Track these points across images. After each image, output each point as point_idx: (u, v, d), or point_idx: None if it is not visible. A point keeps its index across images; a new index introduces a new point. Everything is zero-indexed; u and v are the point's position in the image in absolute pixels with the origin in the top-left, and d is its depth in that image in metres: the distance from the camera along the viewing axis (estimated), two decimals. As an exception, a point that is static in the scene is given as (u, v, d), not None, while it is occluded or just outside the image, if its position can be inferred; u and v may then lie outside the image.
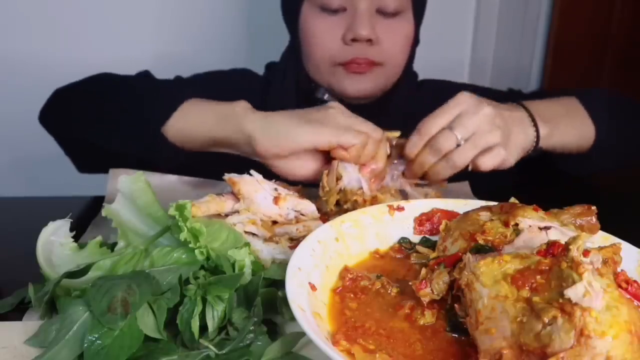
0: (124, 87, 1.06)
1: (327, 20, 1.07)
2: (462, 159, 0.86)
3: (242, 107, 0.90)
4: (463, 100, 0.87)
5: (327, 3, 1.06)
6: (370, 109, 1.12)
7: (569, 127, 0.98)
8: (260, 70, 1.26)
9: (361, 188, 0.84)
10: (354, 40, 1.05)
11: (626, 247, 0.64)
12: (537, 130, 0.93)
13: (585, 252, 0.49)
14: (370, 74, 1.09)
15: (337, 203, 0.84)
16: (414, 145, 0.88)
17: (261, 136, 0.85)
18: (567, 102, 1.02)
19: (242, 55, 1.79)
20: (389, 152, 0.90)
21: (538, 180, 1.14)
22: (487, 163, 0.87)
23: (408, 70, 1.18)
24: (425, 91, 1.23)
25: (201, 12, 1.77)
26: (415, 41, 1.16)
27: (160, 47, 1.77)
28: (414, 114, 1.09)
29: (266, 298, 0.60)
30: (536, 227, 0.62)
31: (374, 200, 0.83)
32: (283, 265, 0.66)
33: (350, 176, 0.84)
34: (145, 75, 1.14)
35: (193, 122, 0.92)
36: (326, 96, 1.13)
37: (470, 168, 0.88)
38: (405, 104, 1.18)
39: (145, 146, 0.94)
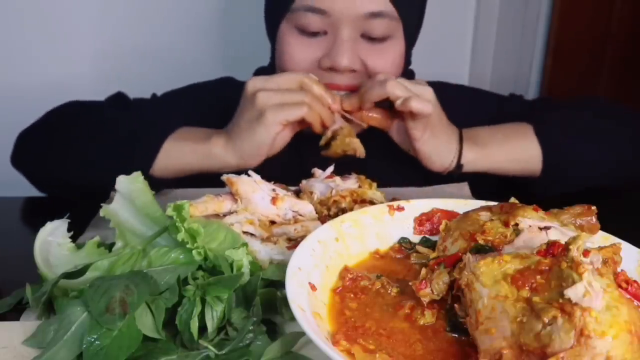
0: (99, 122, 1.02)
1: (304, 43, 1.00)
2: (393, 86, 0.91)
3: (217, 145, 0.95)
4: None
5: (305, 25, 0.97)
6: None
7: (501, 153, 1.00)
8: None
9: (330, 190, 0.83)
10: (332, 69, 0.98)
11: (626, 247, 0.64)
12: (460, 151, 0.98)
13: (585, 252, 0.49)
14: None
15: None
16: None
17: (245, 162, 0.94)
18: (516, 129, 1.03)
19: (222, 57, 1.79)
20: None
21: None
22: (415, 104, 0.90)
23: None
24: None
25: (185, 12, 1.77)
26: (407, 62, 1.11)
27: (141, 39, 1.76)
28: None
29: (265, 298, 0.60)
30: (536, 227, 0.62)
31: (355, 195, 0.82)
32: (281, 265, 0.66)
33: (319, 187, 0.84)
34: (118, 98, 1.10)
35: (175, 164, 0.97)
36: None
37: (397, 104, 0.92)
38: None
39: None
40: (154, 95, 1.17)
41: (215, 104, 1.11)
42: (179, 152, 0.96)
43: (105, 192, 0.88)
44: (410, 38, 1.07)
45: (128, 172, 0.77)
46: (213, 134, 0.96)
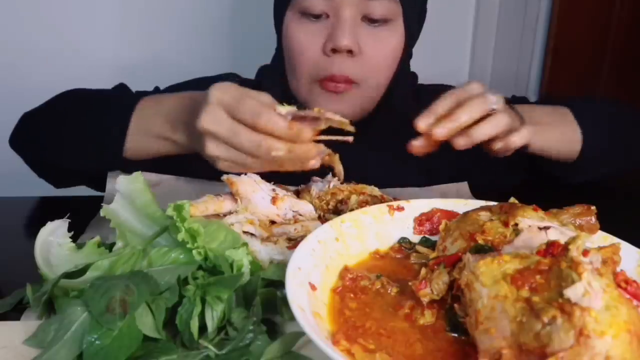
0: (89, 106, 1.01)
1: (308, 27, 1.00)
2: (501, 121, 0.82)
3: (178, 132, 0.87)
4: (476, 85, 0.86)
5: (308, 7, 0.98)
6: (364, 124, 1.07)
7: (552, 132, 0.98)
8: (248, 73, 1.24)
9: (327, 184, 0.84)
10: (334, 51, 0.98)
11: (626, 247, 0.64)
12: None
13: (585, 252, 0.49)
14: (346, 94, 1.02)
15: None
16: (433, 112, 0.81)
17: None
18: (557, 111, 1.02)
19: (229, 58, 1.79)
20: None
21: (537, 181, 1.14)
22: (519, 141, 0.84)
23: (401, 81, 1.11)
24: (423, 97, 1.21)
25: (188, 12, 1.77)
26: (407, 55, 1.09)
27: (144, 46, 1.77)
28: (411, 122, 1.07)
29: (265, 298, 0.60)
30: (536, 227, 0.62)
31: (354, 191, 0.83)
32: (281, 265, 0.66)
33: (317, 186, 0.85)
34: (120, 90, 1.09)
35: (144, 132, 0.90)
36: None
37: (498, 147, 0.84)
38: (403, 113, 1.13)
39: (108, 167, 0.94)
40: (156, 88, 1.17)
41: None
42: (147, 119, 0.90)
43: (95, 179, 0.90)
44: (411, 27, 1.05)
45: (101, 155, 0.82)
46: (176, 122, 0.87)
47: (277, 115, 0.70)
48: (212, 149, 0.75)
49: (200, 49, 1.77)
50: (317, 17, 1.00)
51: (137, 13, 1.74)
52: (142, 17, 1.75)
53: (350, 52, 0.98)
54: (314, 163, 0.75)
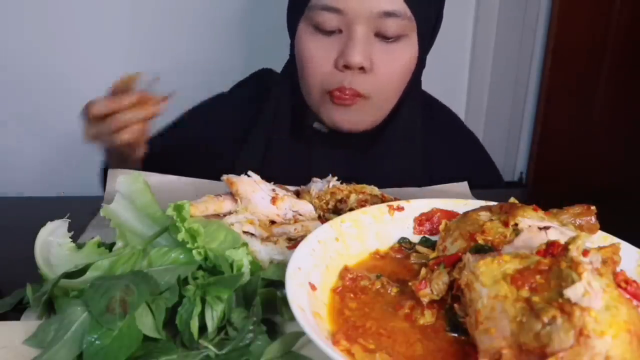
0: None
1: (321, 41, 1.00)
2: None
3: None
4: None
5: (322, 23, 0.98)
6: (370, 136, 1.09)
7: None
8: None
9: (327, 184, 0.85)
10: (346, 67, 0.98)
11: (625, 247, 0.64)
12: None
13: (585, 252, 0.49)
14: (355, 106, 1.01)
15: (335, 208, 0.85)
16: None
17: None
18: None
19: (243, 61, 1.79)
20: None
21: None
22: None
23: (412, 92, 1.10)
24: (434, 111, 1.20)
25: (201, 16, 1.77)
26: (420, 66, 1.08)
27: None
28: (423, 135, 1.05)
29: (265, 298, 0.60)
30: (536, 227, 0.62)
31: (354, 190, 0.83)
32: (281, 265, 0.66)
33: (317, 186, 0.85)
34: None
35: None
36: (315, 124, 1.08)
37: None
38: (412, 126, 1.13)
39: None
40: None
41: (260, 98, 1.14)
42: None
43: None
44: (425, 41, 1.04)
45: None
46: None
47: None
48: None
49: (215, 53, 1.78)
50: (330, 32, 0.98)
51: (149, 19, 1.75)
52: (156, 23, 1.76)
53: (362, 68, 0.97)
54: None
